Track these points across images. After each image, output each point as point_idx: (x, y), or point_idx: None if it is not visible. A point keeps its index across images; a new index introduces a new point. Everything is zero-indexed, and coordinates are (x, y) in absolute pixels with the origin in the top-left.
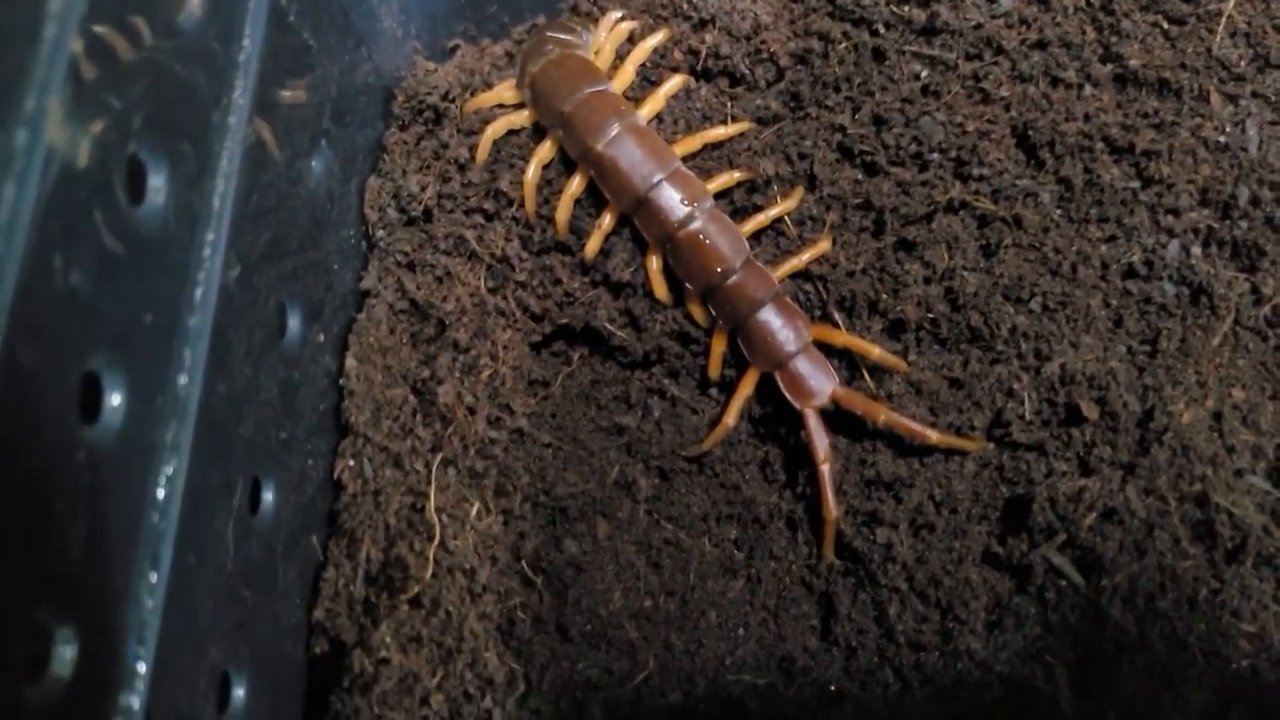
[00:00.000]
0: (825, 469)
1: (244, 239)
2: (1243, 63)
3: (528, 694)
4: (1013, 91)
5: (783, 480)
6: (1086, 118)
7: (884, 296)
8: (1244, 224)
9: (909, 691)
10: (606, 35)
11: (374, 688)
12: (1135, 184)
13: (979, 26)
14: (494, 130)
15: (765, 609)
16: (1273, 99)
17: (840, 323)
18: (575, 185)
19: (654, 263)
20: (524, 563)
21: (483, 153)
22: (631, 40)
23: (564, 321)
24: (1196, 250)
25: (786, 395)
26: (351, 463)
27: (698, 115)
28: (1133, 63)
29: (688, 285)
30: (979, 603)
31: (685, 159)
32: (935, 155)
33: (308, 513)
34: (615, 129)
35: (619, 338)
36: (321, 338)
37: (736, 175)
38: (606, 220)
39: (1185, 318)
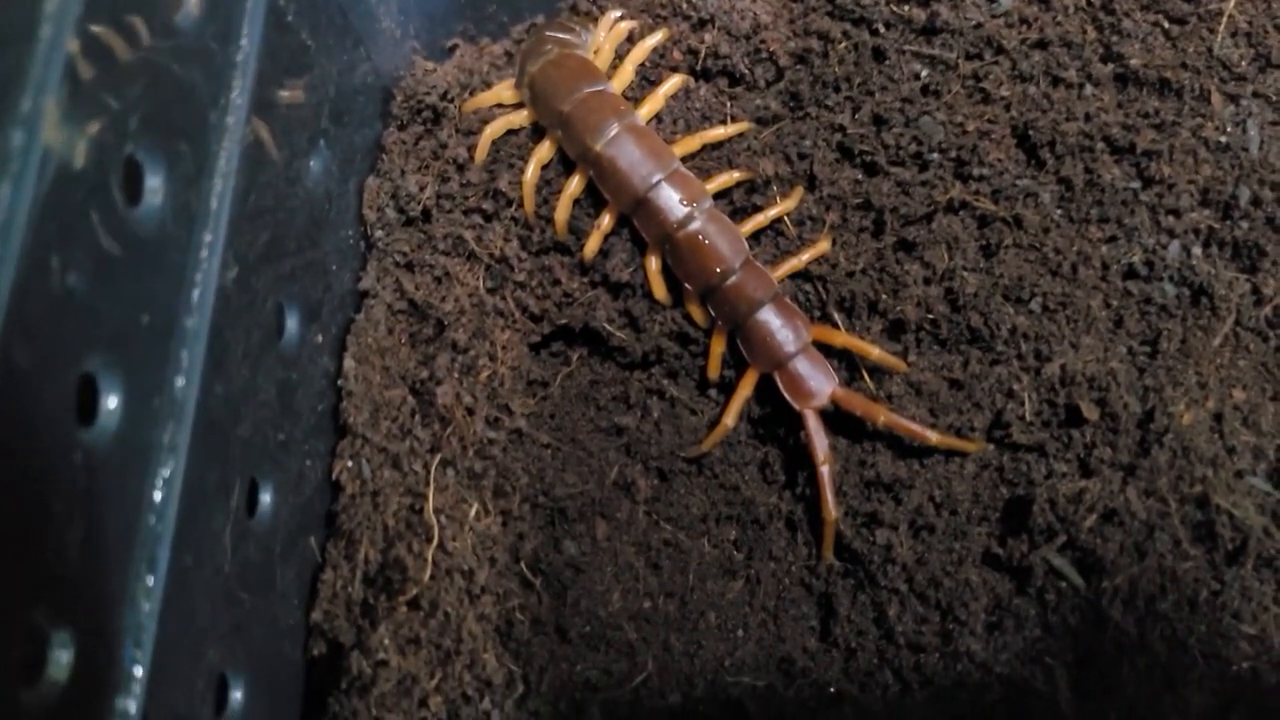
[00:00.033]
0: (825, 470)
1: (242, 239)
2: (1244, 62)
3: (526, 695)
4: (1013, 91)
5: (782, 481)
6: (1087, 117)
7: (884, 297)
8: (1245, 224)
9: (908, 693)
10: (606, 35)
11: (372, 689)
12: (1136, 184)
13: (979, 26)
14: (493, 130)
15: (764, 610)
16: (1274, 99)
17: (840, 323)
18: (574, 185)
19: (653, 263)
20: (523, 564)
21: (481, 153)
22: (631, 40)
23: (563, 322)
24: (1197, 251)
25: (786, 396)
26: (350, 464)
27: (697, 115)
28: (1134, 62)
29: (687, 286)
30: (979, 604)
31: (684, 159)
32: (935, 155)
33: (306, 514)
34: (614, 129)
35: (618, 338)
36: (320, 338)
37: (736, 175)
38: (605, 220)
39: (1186, 318)
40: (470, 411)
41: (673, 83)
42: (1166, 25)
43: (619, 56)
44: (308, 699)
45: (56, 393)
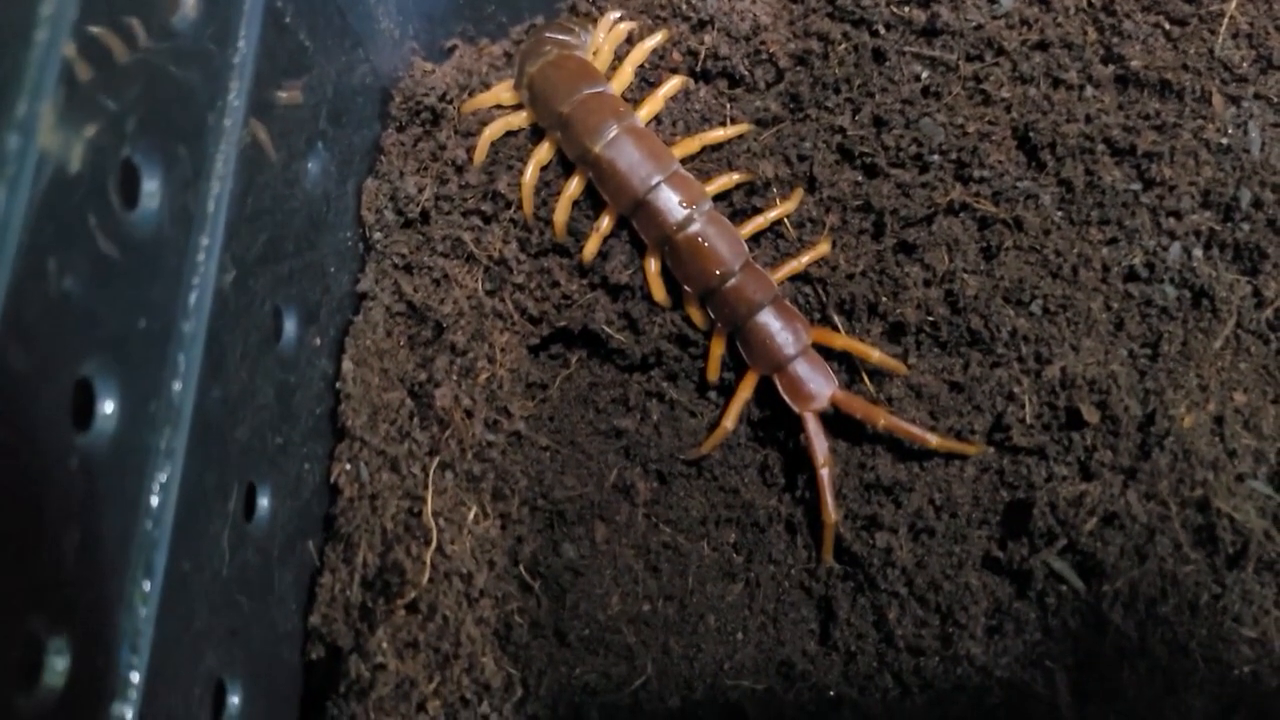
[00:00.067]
0: (824, 473)
1: (239, 242)
2: (1245, 64)
3: (525, 699)
4: (1014, 93)
5: (782, 484)
6: (1088, 119)
7: (884, 299)
8: (1246, 226)
9: (908, 697)
10: (605, 36)
11: (370, 693)
12: (1137, 186)
13: (980, 27)
14: (492, 131)
15: (764, 613)
16: (1275, 100)
17: (840, 325)
18: (573, 187)
19: (652, 265)
20: (521, 567)
21: (480, 154)
22: (630, 41)
23: (562, 324)
24: (1198, 253)
25: (785, 399)
26: (348, 467)
27: (696, 117)
28: (1134, 64)
29: (686, 288)
30: (979, 607)
31: (684, 161)
32: (936, 157)
33: (304, 518)
34: (614, 130)
35: (617, 340)
36: (318, 341)
37: (735, 177)
38: (605, 222)
39: (1187, 321)
40: (469, 414)
41: (672, 84)
42: (1167, 26)
43: (618, 58)
44: (305, 703)
45: (53, 397)
